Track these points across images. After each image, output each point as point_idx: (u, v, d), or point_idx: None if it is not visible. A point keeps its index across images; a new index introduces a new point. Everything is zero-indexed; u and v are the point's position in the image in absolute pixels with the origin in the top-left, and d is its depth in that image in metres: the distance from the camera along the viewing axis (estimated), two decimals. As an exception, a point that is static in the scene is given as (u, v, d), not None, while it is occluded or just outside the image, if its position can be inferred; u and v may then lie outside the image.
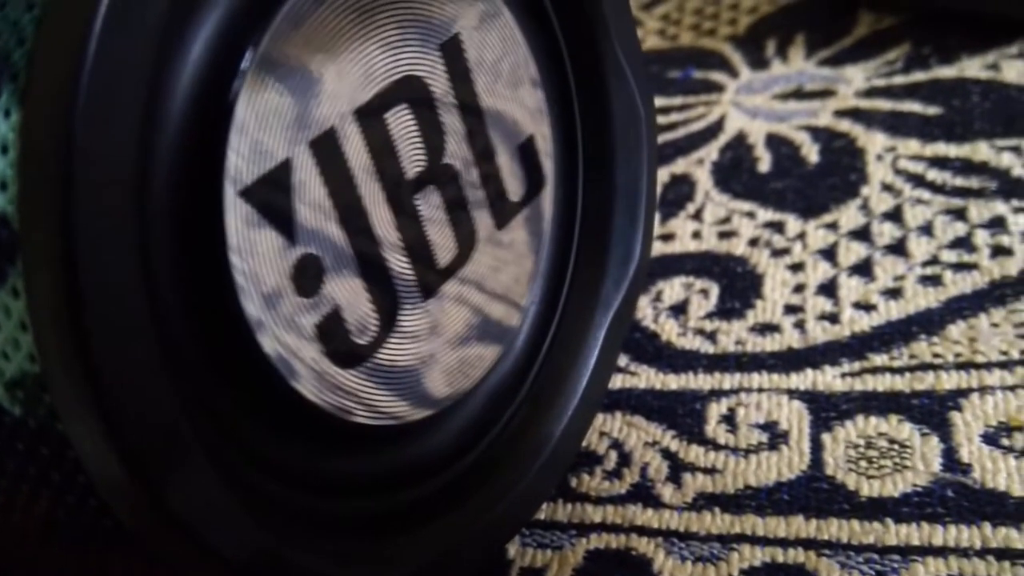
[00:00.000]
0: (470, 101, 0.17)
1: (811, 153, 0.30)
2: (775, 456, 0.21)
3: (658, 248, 0.28)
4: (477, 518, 0.18)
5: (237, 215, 0.14)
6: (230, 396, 0.14)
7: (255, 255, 0.14)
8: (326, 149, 0.15)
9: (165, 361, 0.12)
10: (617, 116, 0.20)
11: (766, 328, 0.24)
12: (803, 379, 0.22)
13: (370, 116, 0.15)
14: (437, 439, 0.18)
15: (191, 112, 0.13)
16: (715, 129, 0.32)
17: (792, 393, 0.22)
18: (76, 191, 0.11)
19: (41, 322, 0.11)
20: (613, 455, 0.22)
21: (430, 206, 0.17)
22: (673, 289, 0.26)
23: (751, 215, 0.28)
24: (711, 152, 0.31)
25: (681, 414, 0.23)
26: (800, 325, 0.24)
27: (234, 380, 0.14)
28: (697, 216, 0.29)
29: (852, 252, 0.26)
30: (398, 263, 0.16)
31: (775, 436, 0.21)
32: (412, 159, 0.16)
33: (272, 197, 0.14)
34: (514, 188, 0.18)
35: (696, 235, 0.28)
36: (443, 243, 0.17)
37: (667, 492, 0.21)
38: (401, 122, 0.16)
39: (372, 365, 0.16)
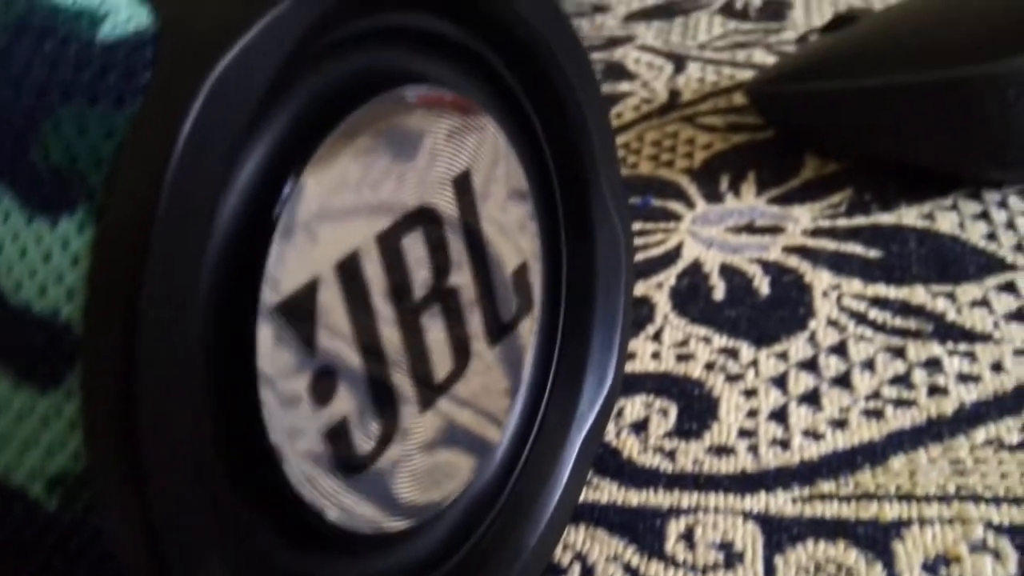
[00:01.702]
0: (474, 229, 0.19)
1: (763, 285, 0.32)
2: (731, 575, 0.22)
3: (619, 367, 0.29)
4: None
5: (267, 329, 0.15)
6: (243, 495, 0.15)
7: (278, 367, 0.15)
8: (349, 271, 0.16)
9: (197, 466, 0.13)
10: (600, 248, 0.22)
11: (722, 450, 0.26)
12: (757, 502, 0.24)
13: (389, 241, 0.17)
14: (419, 547, 0.19)
15: (235, 235, 0.14)
16: (673, 256, 0.34)
17: (747, 515, 0.24)
18: (142, 306, 0.12)
19: (94, 422, 0.12)
20: (577, 568, 0.23)
21: (433, 326, 0.18)
22: (634, 407, 0.28)
23: (707, 340, 0.30)
24: (670, 277, 0.33)
25: (642, 530, 0.24)
26: (753, 449, 0.25)
27: (247, 484, 0.15)
28: (657, 337, 0.30)
29: (801, 382, 0.27)
30: (401, 378, 0.17)
31: (731, 556, 0.23)
32: (421, 281, 0.18)
33: (300, 314, 0.15)
34: (506, 310, 0.20)
35: (655, 356, 0.30)
36: (441, 360, 0.18)
37: (629, 606, 0.22)
38: (415, 247, 0.17)
39: (370, 475, 0.17)
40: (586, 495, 0.25)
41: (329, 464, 0.16)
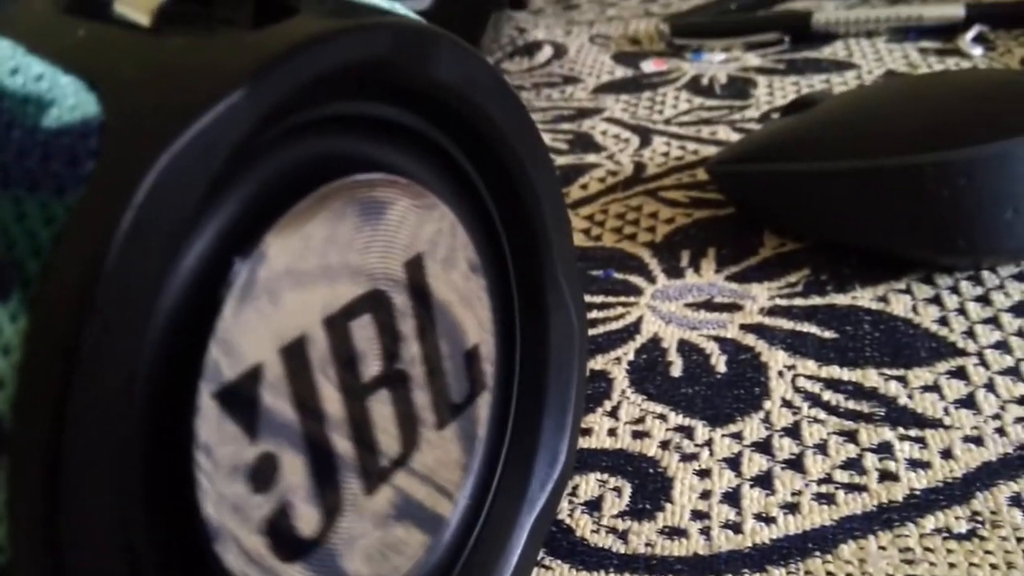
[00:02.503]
0: (426, 313, 0.19)
1: (719, 363, 0.32)
2: (679, 663, 0.22)
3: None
4: None
5: (207, 415, 0.14)
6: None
7: (218, 451, 0.15)
8: (294, 355, 0.16)
9: (123, 556, 0.13)
10: (553, 329, 0.22)
11: (675, 531, 0.26)
12: (707, 586, 0.24)
13: (337, 324, 0.17)
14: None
15: (177, 319, 0.14)
16: (632, 330, 0.34)
17: (697, 600, 0.23)
18: (70, 406, 0.12)
19: (17, 519, 0.12)
20: (524, 652, 0.23)
21: (381, 407, 0.18)
22: (588, 484, 0.27)
23: (663, 418, 0.30)
24: (628, 352, 0.33)
25: (591, 613, 0.23)
26: (706, 532, 0.25)
27: (184, 566, 0.15)
28: (613, 414, 0.30)
29: (755, 463, 0.27)
30: (346, 462, 0.17)
31: (680, 642, 0.22)
32: (369, 364, 0.18)
33: (240, 399, 0.15)
34: (457, 391, 0.20)
35: (612, 432, 0.30)
36: (388, 442, 0.18)
37: None
38: (363, 330, 0.17)
39: (314, 558, 0.17)
40: (538, 574, 0.25)
41: (270, 550, 0.16)
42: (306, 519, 0.16)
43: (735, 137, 0.49)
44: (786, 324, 0.34)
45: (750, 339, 0.33)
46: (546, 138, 0.53)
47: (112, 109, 0.13)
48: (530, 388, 0.22)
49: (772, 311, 0.34)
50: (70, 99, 0.13)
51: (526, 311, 0.22)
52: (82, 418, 0.12)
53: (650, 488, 0.27)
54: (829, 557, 0.24)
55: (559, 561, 0.25)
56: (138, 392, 0.14)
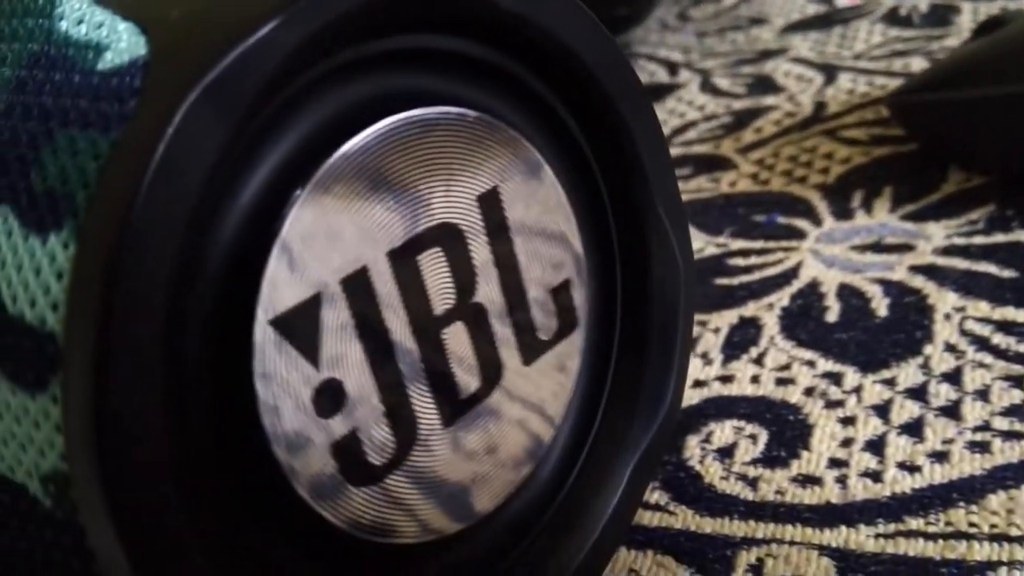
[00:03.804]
0: (504, 247, 0.19)
1: (880, 307, 0.30)
2: (795, 612, 0.21)
3: (716, 389, 0.28)
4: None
5: (265, 341, 0.15)
6: (241, 502, 0.15)
7: (279, 378, 0.15)
8: (356, 286, 0.16)
9: (179, 471, 0.14)
10: (655, 265, 0.21)
11: (808, 480, 0.24)
12: (836, 536, 0.22)
13: (403, 257, 0.17)
14: (446, 564, 0.19)
15: (234, 246, 0.15)
16: (790, 276, 0.33)
17: (823, 549, 0.22)
18: (112, 320, 0.13)
19: (71, 428, 0.13)
20: (637, 594, 0.22)
21: (456, 341, 0.18)
22: (723, 431, 0.27)
23: (811, 364, 0.28)
24: (782, 298, 0.32)
25: (711, 558, 0.23)
26: (842, 480, 0.24)
27: (246, 489, 0.15)
28: (759, 361, 0.29)
29: (906, 410, 0.25)
30: (420, 392, 0.18)
31: (799, 591, 0.21)
32: (441, 297, 0.18)
33: (300, 327, 0.16)
34: (544, 328, 0.20)
35: (755, 379, 0.28)
36: (466, 376, 0.18)
37: (683, 637, 0.21)
38: (433, 264, 0.18)
39: (386, 486, 0.17)
40: (660, 520, 0.24)
41: (339, 476, 0.16)
42: (377, 447, 0.17)
43: (927, 68, 0.45)
44: (961, 264, 0.31)
45: (918, 281, 0.31)
46: (724, 82, 0.51)
47: (155, 49, 0.14)
48: (631, 327, 0.21)
49: (947, 250, 0.32)
50: (123, 43, 0.14)
51: (624, 248, 0.21)
52: (123, 336, 0.13)
53: (787, 435, 0.26)
54: (974, 507, 0.22)
55: (684, 507, 0.24)
56: (195, 317, 0.15)
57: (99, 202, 0.13)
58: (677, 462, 0.26)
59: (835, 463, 0.24)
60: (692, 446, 0.26)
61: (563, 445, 0.21)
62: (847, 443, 0.25)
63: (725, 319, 0.31)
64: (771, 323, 0.31)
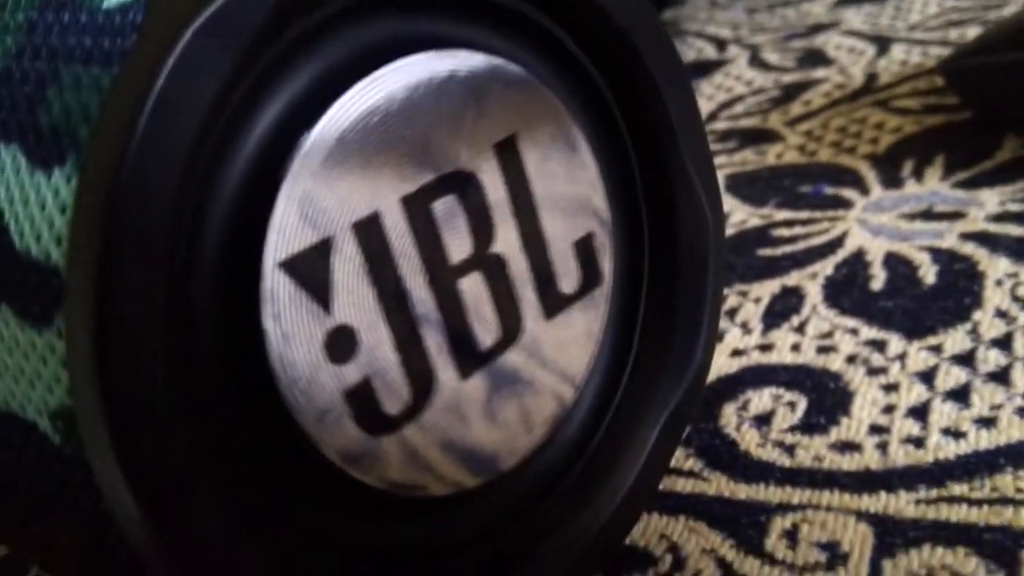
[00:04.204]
0: (523, 197, 0.18)
1: (928, 274, 0.29)
2: (830, 577, 0.20)
3: (754, 357, 0.28)
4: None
5: (274, 284, 0.15)
6: (251, 444, 0.15)
7: (290, 322, 0.15)
8: (368, 232, 0.16)
9: (185, 409, 0.14)
10: (683, 222, 0.21)
11: (847, 446, 0.23)
12: (875, 501, 0.22)
13: (416, 204, 0.17)
14: (466, 519, 0.19)
15: (242, 187, 0.15)
16: (835, 245, 0.32)
17: (861, 515, 0.21)
18: (110, 255, 0.13)
19: (75, 362, 0.13)
20: (668, 558, 0.22)
21: (473, 291, 0.18)
22: (761, 399, 0.26)
23: (854, 332, 0.27)
24: (826, 267, 0.31)
25: (744, 524, 0.22)
26: (883, 446, 0.23)
27: (256, 433, 0.15)
28: (800, 329, 0.28)
29: (952, 377, 0.25)
30: (435, 342, 0.17)
31: (835, 557, 0.21)
32: (457, 245, 0.17)
33: (310, 272, 0.15)
34: (567, 282, 0.19)
35: (795, 347, 0.28)
36: (484, 328, 0.18)
37: (713, 602, 0.20)
38: (448, 211, 0.17)
39: (403, 437, 0.17)
40: (693, 487, 0.24)
41: (351, 423, 0.16)
42: (392, 397, 0.17)
43: (984, 36, 0.44)
44: (1015, 230, 0.30)
45: (968, 248, 0.29)
46: (773, 56, 0.50)
47: (158, -14, 0.14)
48: (659, 284, 0.21)
49: (1000, 217, 0.30)
50: (128, -18, 0.14)
51: (651, 202, 0.20)
52: (122, 268, 0.13)
53: (827, 403, 0.25)
54: (1022, 473, 0.21)
55: (718, 473, 0.24)
56: (204, 256, 0.14)
57: (99, 136, 0.13)
58: (712, 429, 0.25)
59: (876, 430, 0.24)
60: (728, 414, 0.26)
61: (588, 404, 0.20)
62: (889, 409, 0.24)
63: (767, 289, 0.31)
64: (814, 292, 0.30)
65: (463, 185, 0.17)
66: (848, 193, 0.35)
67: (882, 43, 0.47)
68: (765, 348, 0.28)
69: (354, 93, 0.16)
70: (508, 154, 0.18)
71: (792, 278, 0.31)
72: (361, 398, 0.16)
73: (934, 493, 0.21)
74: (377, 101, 0.16)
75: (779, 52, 0.50)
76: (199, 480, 0.14)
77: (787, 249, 0.33)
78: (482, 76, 0.17)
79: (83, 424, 0.13)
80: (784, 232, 0.34)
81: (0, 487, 0.15)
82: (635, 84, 0.20)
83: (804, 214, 0.34)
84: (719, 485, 0.23)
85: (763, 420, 0.25)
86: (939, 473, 0.22)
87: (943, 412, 0.24)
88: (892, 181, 0.35)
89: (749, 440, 0.25)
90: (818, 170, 0.37)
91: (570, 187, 0.19)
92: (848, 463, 0.23)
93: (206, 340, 0.15)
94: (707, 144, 0.21)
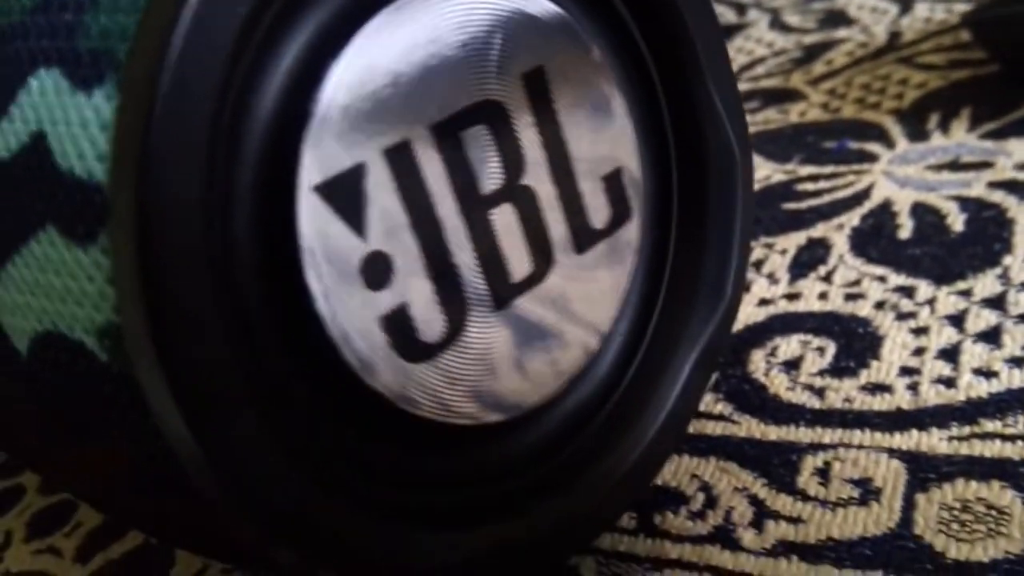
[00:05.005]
0: (551, 128, 0.18)
1: (956, 222, 0.29)
2: (864, 511, 0.20)
3: (782, 306, 0.28)
4: (538, 529, 0.18)
5: (309, 207, 0.15)
6: (291, 368, 0.15)
7: (326, 246, 0.15)
8: (400, 158, 0.16)
9: (228, 326, 0.14)
10: (711, 157, 0.21)
11: (877, 388, 0.23)
12: (907, 439, 0.22)
13: (446, 132, 0.17)
14: (503, 451, 0.19)
15: (276, 111, 0.15)
16: (861, 197, 0.32)
17: (893, 452, 0.21)
18: (151, 168, 0.13)
19: (121, 278, 0.13)
20: (700, 497, 0.22)
21: (505, 222, 0.18)
22: (789, 345, 0.26)
23: (882, 279, 0.27)
24: (853, 218, 0.31)
25: (775, 464, 0.22)
26: (914, 387, 0.23)
27: (295, 354, 0.15)
28: (827, 278, 0.28)
29: (982, 319, 0.24)
30: (469, 271, 0.17)
31: (867, 492, 0.21)
32: (488, 176, 0.17)
33: (344, 196, 0.16)
34: (597, 216, 0.19)
35: (822, 296, 0.27)
36: (517, 259, 0.18)
37: (748, 537, 0.20)
38: (478, 141, 0.17)
39: (439, 363, 0.17)
40: (723, 429, 0.24)
41: (387, 349, 0.16)
42: (428, 324, 0.17)
43: (1009, -8, 0.43)
44: (1043, 178, 0.29)
45: (997, 196, 0.29)
46: (793, 19, 0.50)
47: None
48: (689, 218, 0.21)
49: (1028, 166, 0.30)
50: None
51: (679, 137, 0.20)
52: (166, 182, 0.13)
53: (856, 347, 0.25)
54: (1055, 409, 0.21)
55: (747, 416, 0.24)
56: (241, 175, 0.15)
57: (137, 54, 0.13)
58: (741, 375, 0.25)
59: (906, 371, 0.24)
60: (756, 360, 0.26)
61: (620, 340, 0.20)
62: (919, 352, 0.24)
63: (792, 241, 0.31)
64: (840, 243, 0.30)
65: (492, 115, 0.17)
66: (873, 147, 0.35)
67: (905, 1, 0.47)
68: (792, 297, 0.28)
69: (382, 20, 0.16)
70: (537, 86, 0.18)
71: (818, 230, 0.31)
72: (397, 325, 0.16)
73: (967, 430, 0.21)
74: (405, 28, 0.16)
75: (800, 14, 0.50)
76: (242, 395, 0.14)
77: (812, 202, 0.32)
78: (508, 7, 0.17)
79: (130, 340, 0.13)
80: (809, 186, 0.34)
81: (48, 407, 0.15)
82: (662, 18, 0.20)
83: (828, 169, 0.34)
84: (749, 427, 0.23)
85: (792, 365, 0.25)
86: (971, 411, 0.22)
87: (974, 353, 0.23)
88: (918, 134, 0.34)
89: (778, 384, 0.25)
90: (842, 126, 0.37)
91: (599, 122, 0.19)
92: (879, 404, 0.23)
93: (245, 260, 0.15)
94: (735, 79, 0.21)
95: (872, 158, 0.34)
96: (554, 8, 0.18)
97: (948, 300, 0.26)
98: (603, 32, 0.19)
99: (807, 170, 0.35)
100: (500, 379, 0.18)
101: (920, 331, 0.25)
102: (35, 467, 0.18)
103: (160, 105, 0.13)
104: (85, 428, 0.15)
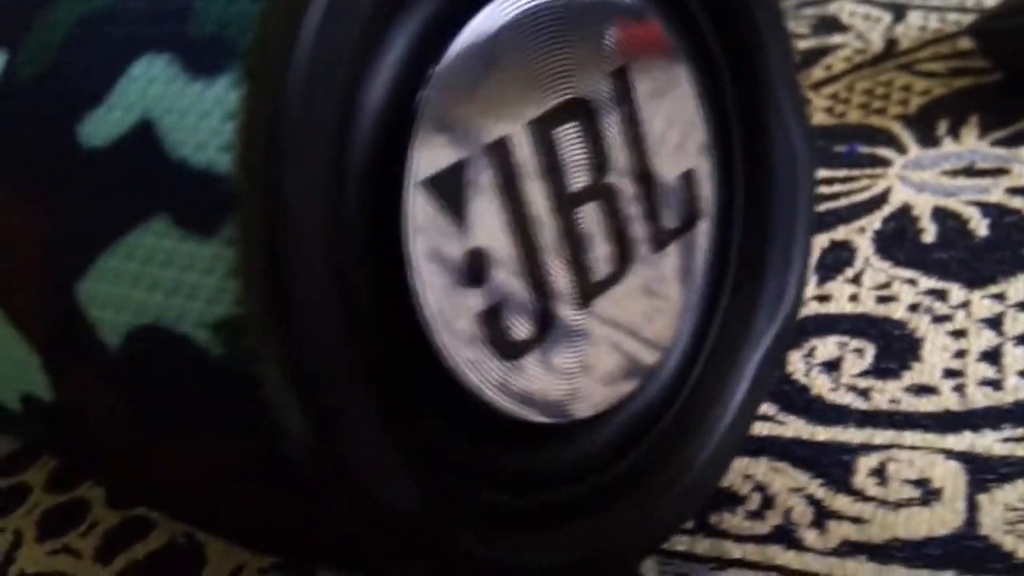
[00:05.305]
0: (634, 128, 0.18)
1: (980, 227, 0.29)
2: (927, 512, 0.20)
3: (813, 308, 0.28)
4: (607, 535, 0.18)
5: (416, 202, 0.15)
6: (395, 367, 0.15)
7: (429, 242, 0.15)
8: (499, 154, 0.16)
9: (347, 321, 0.14)
10: (776, 158, 0.21)
11: (923, 389, 0.24)
12: (960, 440, 0.22)
13: (541, 129, 0.17)
14: (574, 451, 0.19)
15: (383, 115, 0.15)
16: (879, 200, 0.32)
17: (948, 453, 0.22)
18: (285, 161, 0.12)
19: (249, 270, 0.13)
20: (756, 497, 0.22)
21: (590, 221, 0.18)
22: (826, 347, 0.26)
23: (912, 282, 0.28)
24: (873, 222, 0.31)
25: (828, 464, 0.22)
26: (959, 389, 0.23)
27: (398, 352, 0.15)
28: (856, 280, 0.28)
29: (1020, 323, 0.25)
30: (558, 270, 0.17)
31: (928, 493, 0.21)
32: (576, 174, 0.17)
33: (449, 192, 0.15)
34: (671, 216, 0.19)
35: (853, 298, 0.28)
36: (600, 258, 0.18)
37: (810, 536, 0.20)
38: (568, 138, 0.17)
39: (527, 362, 0.17)
40: (769, 429, 0.24)
41: (483, 347, 0.16)
42: (520, 322, 0.17)
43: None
44: (1061, 184, 0.30)
45: (1017, 202, 0.30)
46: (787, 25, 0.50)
47: None
48: (753, 220, 0.21)
49: (1044, 173, 0.31)
50: None
51: (745, 139, 0.20)
52: (299, 172, 0.13)
53: (896, 349, 0.25)
54: (1107, 410, 0.21)
55: (793, 416, 0.24)
56: (353, 167, 0.14)
57: (265, 42, 0.13)
58: (781, 376, 0.25)
59: (950, 373, 0.24)
60: (795, 360, 0.26)
61: (685, 341, 0.20)
62: (960, 355, 0.24)
63: (815, 243, 0.31)
64: (864, 245, 0.30)
65: (582, 112, 0.17)
66: (885, 152, 0.35)
67: (898, 10, 0.48)
68: (823, 299, 0.28)
69: (484, 17, 0.16)
70: (622, 84, 0.18)
71: (839, 232, 0.31)
72: (492, 322, 0.16)
73: (1020, 432, 0.22)
74: (506, 24, 0.16)
75: (792, 20, 0.50)
76: (364, 395, 0.14)
77: (830, 205, 0.33)
78: (601, 5, 0.17)
79: (254, 335, 0.13)
80: (824, 189, 0.34)
81: (139, 404, 0.15)
82: (738, 20, 0.20)
83: (842, 172, 0.35)
84: (796, 428, 0.24)
85: (831, 366, 0.25)
86: (1021, 413, 0.22)
87: (1016, 356, 0.24)
88: (928, 140, 0.35)
89: (820, 385, 0.25)
90: (848, 131, 0.38)
91: (675, 121, 0.19)
92: (926, 405, 0.23)
93: (353, 255, 0.14)
94: (800, 84, 0.21)
95: (885, 163, 0.34)
96: (643, 7, 0.18)
97: (982, 304, 0.26)
98: (679, 32, 0.19)
99: (821, 173, 0.35)
100: (580, 378, 0.18)
101: (958, 334, 0.25)
102: (108, 471, 0.17)
103: (293, 96, 0.12)
104: (184, 425, 0.14)
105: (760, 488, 0.22)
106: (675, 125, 0.19)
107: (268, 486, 0.14)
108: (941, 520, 0.20)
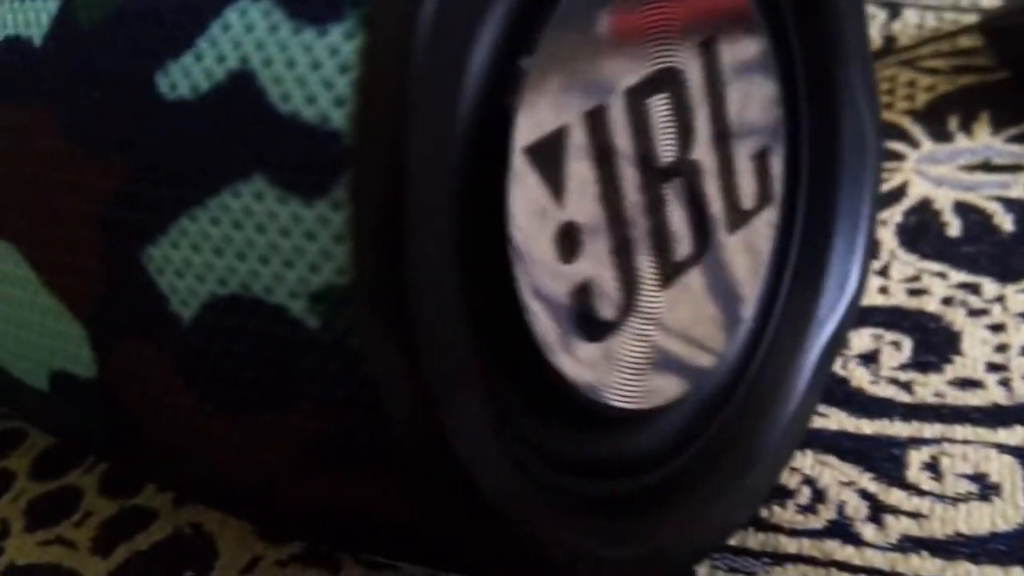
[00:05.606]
0: (719, 104, 0.17)
1: (1005, 222, 0.29)
2: (987, 507, 0.20)
3: (843, 300, 0.27)
4: (672, 528, 0.18)
5: (518, 170, 0.14)
6: (488, 346, 0.14)
7: (528, 211, 0.14)
8: (597, 122, 0.15)
9: (458, 292, 0.13)
10: (845, 142, 0.20)
11: (967, 383, 0.23)
12: (1012, 435, 0.22)
13: (635, 98, 0.16)
14: (646, 438, 0.18)
15: (487, 82, 0.14)
16: (898, 194, 0.32)
17: (1001, 448, 0.21)
18: (413, 113, 0.11)
19: (363, 235, 0.12)
20: (806, 491, 0.21)
21: (675, 197, 0.17)
22: (861, 339, 0.26)
23: (942, 275, 0.27)
24: (895, 215, 0.31)
25: (878, 458, 0.22)
26: (1005, 383, 0.23)
27: (492, 330, 0.14)
28: (883, 273, 0.28)
29: (1057, 317, 0.25)
30: (643, 247, 0.16)
31: (986, 488, 0.20)
32: (664, 148, 0.16)
33: (548, 160, 0.14)
34: (747, 197, 0.18)
35: (883, 290, 0.27)
36: (681, 238, 0.17)
37: (868, 531, 0.20)
38: (660, 110, 0.16)
39: (610, 343, 0.16)
40: (812, 422, 0.23)
41: (572, 325, 0.15)
42: (607, 300, 0.16)
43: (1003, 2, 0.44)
44: (1081, 182, 0.30)
45: (1038, 198, 0.30)
46: (783, 17, 0.50)
47: None
48: (818, 204, 0.20)
49: (1062, 170, 0.31)
50: None
51: (816, 119, 0.20)
52: (420, 134, 0.12)
53: (933, 342, 0.25)
54: None
55: (835, 408, 0.23)
56: (460, 129, 0.13)
57: (391, -11, 0.12)
58: (842, 351, 0.25)
59: (993, 367, 0.24)
60: (831, 353, 0.25)
61: (748, 325, 0.20)
62: (1002, 348, 0.24)
63: (837, 235, 0.30)
64: (888, 238, 0.30)
65: (674, 83, 0.16)
66: (897, 146, 0.35)
67: (893, 8, 0.47)
68: (852, 290, 0.28)
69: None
70: (709, 56, 0.17)
71: (861, 225, 0.31)
72: (581, 300, 0.15)
73: (1071, 426, 0.21)
74: (596, 5, 0.15)
75: (788, 13, 0.50)
76: (470, 373, 0.13)
77: (848, 198, 0.32)
78: (693, -27, 0.16)
79: (364, 306, 0.12)
80: (840, 182, 0.34)
81: (213, 379, 0.14)
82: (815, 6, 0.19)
83: (856, 165, 0.34)
84: (840, 421, 0.23)
85: (869, 359, 0.25)
86: (1071, 407, 0.22)
87: (1058, 351, 0.24)
88: (941, 135, 0.35)
89: (860, 377, 0.24)
90: (858, 125, 0.37)
91: (754, 100, 0.18)
92: (973, 399, 0.23)
93: (455, 223, 0.13)
94: (874, 68, 0.20)
95: (899, 156, 0.34)
96: (731, -21, 0.17)
97: (1018, 298, 0.26)
98: (758, 7, 0.19)
99: (833, 166, 0.35)
100: (657, 363, 0.17)
101: (997, 328, 0.25)
102: (153, 455, 0.16)
103: (420, 50, 0.11)
104: (263, 401, 0.13)
105: (809, 482, 0.21)
106: (753, 103, 0.18)
107: (353, 465, 0.13)
108: (1003, 515, 0.20)
